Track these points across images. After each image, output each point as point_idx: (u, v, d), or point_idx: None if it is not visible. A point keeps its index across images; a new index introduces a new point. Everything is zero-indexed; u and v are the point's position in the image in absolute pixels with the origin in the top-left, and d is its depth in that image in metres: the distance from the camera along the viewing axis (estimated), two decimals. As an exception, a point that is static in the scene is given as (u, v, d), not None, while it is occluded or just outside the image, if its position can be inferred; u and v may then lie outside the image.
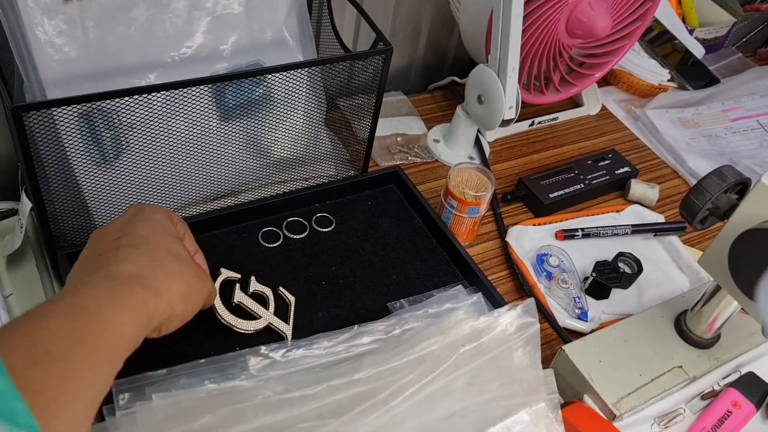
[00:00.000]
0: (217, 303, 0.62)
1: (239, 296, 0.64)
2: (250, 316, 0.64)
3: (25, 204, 0.68)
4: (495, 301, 0.69)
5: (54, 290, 0.69)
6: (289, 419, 0.48)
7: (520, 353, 0.57)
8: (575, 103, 1.05)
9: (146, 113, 0.64)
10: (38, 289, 0.69)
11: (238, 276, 0.66)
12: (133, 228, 0.50)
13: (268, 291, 0.66)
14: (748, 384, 0.67)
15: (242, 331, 0.62)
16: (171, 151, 0.68)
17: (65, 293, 0.40)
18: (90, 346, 0.35)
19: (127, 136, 0.68)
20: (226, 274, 0.65)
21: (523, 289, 0.76)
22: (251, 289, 0.65)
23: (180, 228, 0.56)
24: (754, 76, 1.16)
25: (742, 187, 0.62)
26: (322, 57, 0.82)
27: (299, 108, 0.75)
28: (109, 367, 0.37)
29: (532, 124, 0.99)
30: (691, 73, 1.16)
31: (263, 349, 0.55)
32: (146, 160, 0.68)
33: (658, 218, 0.87)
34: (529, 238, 0.82)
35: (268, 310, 0.65)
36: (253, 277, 0.66)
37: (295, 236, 0.75)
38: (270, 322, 0.64)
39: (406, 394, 0.50)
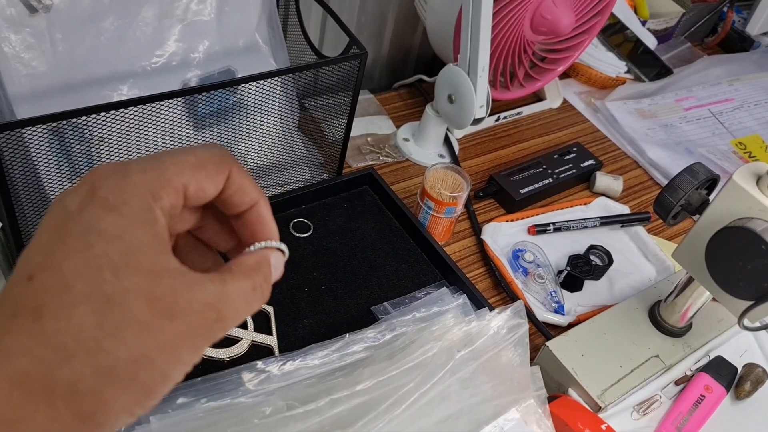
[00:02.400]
0: None
1: None
2: (229, 341, 0.63)
3: (-6, 223, 0.66)
4: (476, 301, 0.71)
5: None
6: (294, 435, 0.49)
7: (510, 354, 0.58)
8: (537, 96, 1.07)
9: (119, 126, 0.62)
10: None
11: None
12: (62, 261, 0.26)
13: None
14: (718, 367, 0.71)
15: (226, 359, 0.62)
16: (145, 163, 0.67)
17: None
18: None
19: (98, 149, 0.66)
20: None
21: (500, 285, 0.78)
22: None
23: (199, 196, 0.30)
24: (704, 65, 1.20)
25: (711, 183, 0.65)
26: (291, 58, 0.82)
27: (273, 114, 0.75)
28: None
29: (498, 119, 1.01)
30: (642, 61, 1.19)
31: (259, 363, 0.55)
32: (120, 173, 0.66)
33: (624, 209, 0.90)
34: (503, 235, 0.84)
35: (247, 329, 0.65)
36: None
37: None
38: (253, 340, 0.64)
39: (407, 402, 0.51)
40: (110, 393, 0.25)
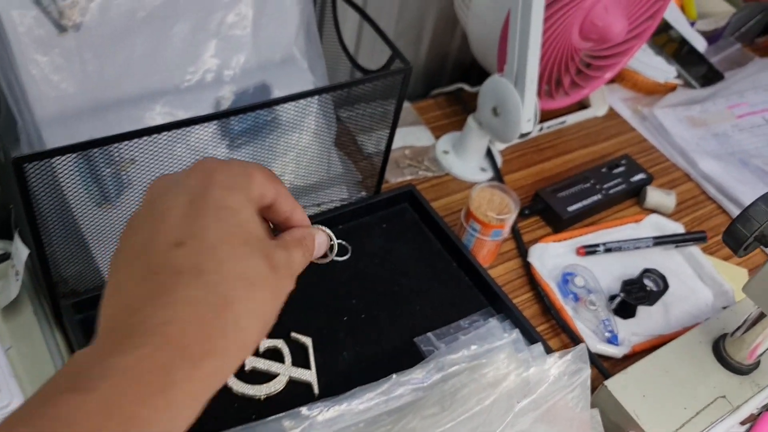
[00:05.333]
0: None
1: (250, 362, 0.59)
2: (266, 377, 0.60)
3: (21, 250, 0.62)
4: (527, 334, 0.66)
5: (56, 340, 0.64)
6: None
7: (570, 399, 0.54)
8: (581, 104, 1.02)
9: (149, 148, 0.59)
10: (39, 340, 0.64)
11: None
12: (204, 229, 0.33)
13: (279, 342, 0.62)
14: (786, 406, 0.66)
15: (263, 396, 0.58)
16: (177, 185, 0.63)
17: (101, 350, 0.29)
18: None
19: (128, 171, 0.63)
20: None
21: (549, 312, 0.74)
22: (262, 348, 0.61)
23: (268, 196, 0.36)
24: (756, 68, 1.14)
25: (787, 211, 0.60)
26: (327, 68, 0.77)
27: (309, 131, 0.71)
28: None
29: (540, 130, 0.96)
30: (688, 62, 1.14)
31: (304, 410, 0.52)
32: (150, 196, 0.63)
33: (678, 227, 0.85)
34: (550, 256, 0.79)
35: (284, 363, 0.61)
36: None
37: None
38: (290, 376, 0.60)
39: (464, 459, 0.47)
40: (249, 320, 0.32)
